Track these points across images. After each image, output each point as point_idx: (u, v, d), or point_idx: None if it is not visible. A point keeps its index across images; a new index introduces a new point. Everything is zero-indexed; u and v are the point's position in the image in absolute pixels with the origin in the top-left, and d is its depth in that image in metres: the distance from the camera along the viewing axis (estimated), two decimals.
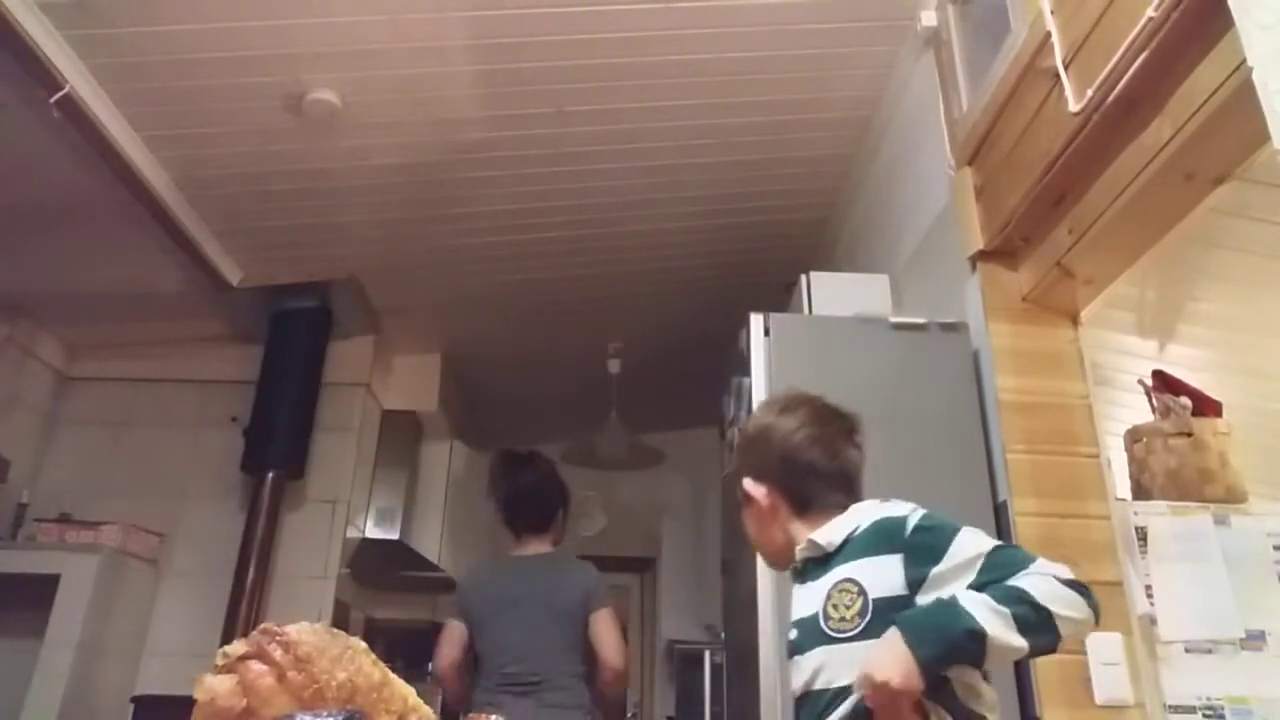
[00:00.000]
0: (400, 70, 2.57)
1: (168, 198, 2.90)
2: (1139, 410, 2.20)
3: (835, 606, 1.07)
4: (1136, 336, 2.63)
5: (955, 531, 1.07)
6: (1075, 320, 2.08)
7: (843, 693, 1.02)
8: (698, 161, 3.09)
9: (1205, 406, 2.08)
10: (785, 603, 1.94)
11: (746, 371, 2.17)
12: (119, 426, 3.84)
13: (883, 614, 1.03)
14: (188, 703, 0.77)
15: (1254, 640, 1.82)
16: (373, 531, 4.05)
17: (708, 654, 4.29)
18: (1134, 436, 2.12)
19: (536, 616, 2.46)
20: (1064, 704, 1.75)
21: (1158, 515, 1.94)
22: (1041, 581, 1.00)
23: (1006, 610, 0.97)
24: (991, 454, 2.01)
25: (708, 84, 2.72)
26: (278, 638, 0.78)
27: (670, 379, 4.58)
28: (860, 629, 1.04)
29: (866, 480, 1.98)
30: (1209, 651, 1.82)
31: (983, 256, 2.12)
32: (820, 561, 1.16)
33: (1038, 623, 0.97)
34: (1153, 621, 1.84)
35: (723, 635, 2.69)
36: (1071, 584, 1.02)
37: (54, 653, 3.15)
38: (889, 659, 0.95)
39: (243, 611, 3.33)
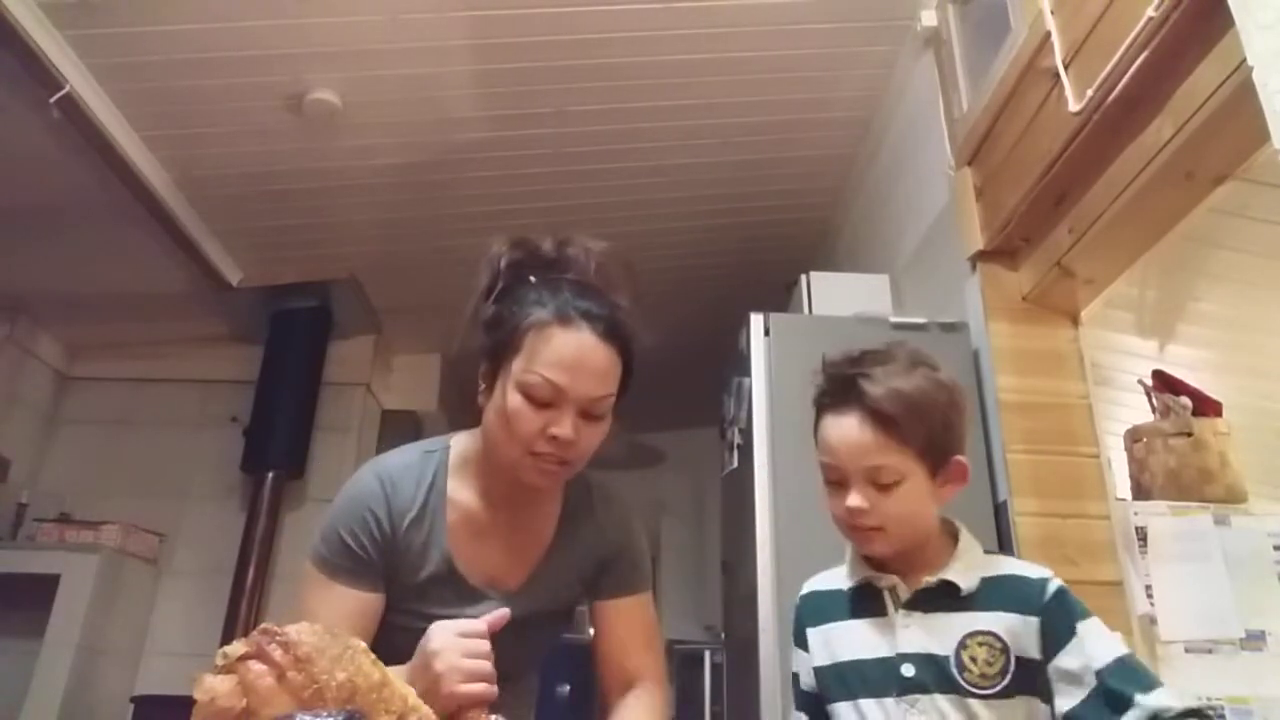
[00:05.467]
0: (400, 70, 2.57)
1: (168, 198, 2.91)
2: (1139, 410, 2.20)
3: (974, 659, 1.00)
4: (1136, 336, 2.63)
5: (1087, 613, 1.03)
6: (1075, 320, 2.08)
7: None
8: (698, 161, 3.09)
9: (1205, 406, 2.08)
10: (785, 602, 1.93)
11: (746, 371, 2.17)
12: (119, 426, 3.84)
13: (1022, 675, 0.99)
14: (188, 703, 0.77)
15: (1254, 640, 1.82)
16: None
17: (708, 654, 4.29)
18: (1134, 436, 2.12)
19: None
20: None
21: (1158, 515, 1.94)
22: None
23: None
24: (991, 454, 2.01)
25: (708, 84, 2.72)
26: (278, 638, 0.78)
27: (670, 379, 4.57)
28: (1000, 688, 0.99)
29: None
30: (1209, 651, 1.82)
31: (983, 256, 2.12)
32: (939, 596, 1.05)
33: None
34: (1153, 621, 1.84)
35: (723, 635, 2.68)
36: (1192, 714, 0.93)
37: (54, 653, 3.15)
38: None
39: (243, 611, 3.33)
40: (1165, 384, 2.15)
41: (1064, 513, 1.89)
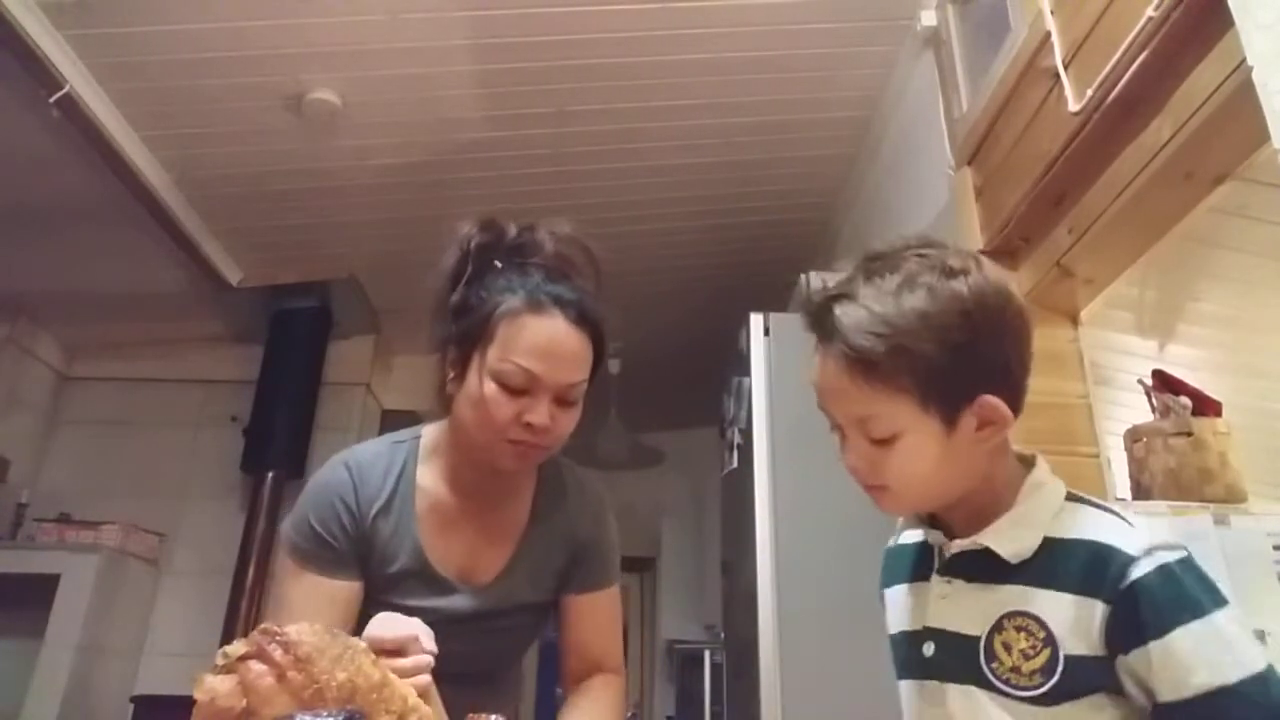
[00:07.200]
0: (400, 70, 2.57)
1: (168, 198, 2.91)
2: (1139, 410, 2.20)
3: (1007, 648, 0.75)
4: (1136, 336, 2.63)
5: (1209, 609, 0.74)
6: (1075, 320, 2.08)
7: None
8: (698, 161, 3.09)
9: (1205, 406, 2.08)
10: (785, 602, 1.94)
11: (746, 371, 2.17)
12: (119, 426, 3.84)
13: (1074, 677, 0.72)
14: (188, 703, 0.77)
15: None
16: None
17: (708, 654, 4.30)
18: (1134, 436, 2.11)
19: None
20: None
21: (1157, 515, 1.94)
22: None
23: None
24: None
25: (708, 84, 2.72)
26: (278, 638, 0.78)
27: (670, 379, 4.58)
28: (1040, 690, 0.73)
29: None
30: None
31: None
32: (986, 562, 0.79)
33: None
34: None
35: (722, 635, 2.69)
36: None
37: (54, 653, 3.15)
38: None
39: (243, 611, 3.33)
40: (1165, 384, 2.15)
41: None
